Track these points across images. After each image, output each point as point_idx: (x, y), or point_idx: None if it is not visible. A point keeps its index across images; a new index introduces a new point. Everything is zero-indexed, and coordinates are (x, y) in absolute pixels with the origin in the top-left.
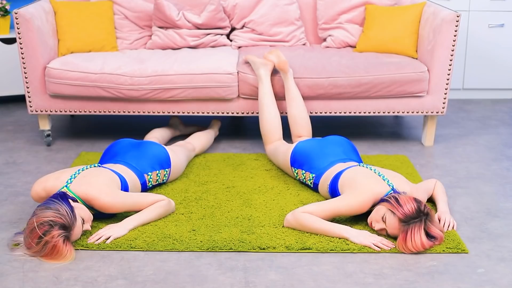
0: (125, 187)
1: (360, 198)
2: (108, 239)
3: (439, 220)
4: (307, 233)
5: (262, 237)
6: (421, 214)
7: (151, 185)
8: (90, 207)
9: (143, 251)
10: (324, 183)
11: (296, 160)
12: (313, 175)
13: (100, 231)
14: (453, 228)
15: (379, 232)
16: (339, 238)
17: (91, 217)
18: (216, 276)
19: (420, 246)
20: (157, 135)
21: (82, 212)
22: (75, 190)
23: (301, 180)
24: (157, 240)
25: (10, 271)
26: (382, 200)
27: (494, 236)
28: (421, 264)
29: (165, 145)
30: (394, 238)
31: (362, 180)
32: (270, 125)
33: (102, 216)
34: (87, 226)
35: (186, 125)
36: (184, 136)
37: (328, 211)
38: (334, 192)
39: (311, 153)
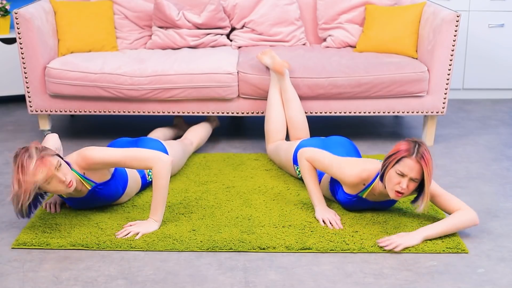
0: (124, 180)
1: (352, 167)
2: (137, 234)
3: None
4: (307, 232)
5: (262, 237)
6: (414, 141)
7: (150, 179)
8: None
9: (143, 251)
10: (325, 181)
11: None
12: None
13: (128, 227)
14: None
15: (404, 190)
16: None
17: (70, 175)
18: (216, 276)
19: (431, 159)
20: (159, 135)
21: (64, 167)
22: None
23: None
24: (157, 240)
25: (10, 271)
26: (378, 174)
27: (494, 236)
28: (421, 264)
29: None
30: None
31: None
32: (277, 124)
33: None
34: (61, 175)
35: (189, 125)
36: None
37: (319, 158)
38: (334, 189)
39: None
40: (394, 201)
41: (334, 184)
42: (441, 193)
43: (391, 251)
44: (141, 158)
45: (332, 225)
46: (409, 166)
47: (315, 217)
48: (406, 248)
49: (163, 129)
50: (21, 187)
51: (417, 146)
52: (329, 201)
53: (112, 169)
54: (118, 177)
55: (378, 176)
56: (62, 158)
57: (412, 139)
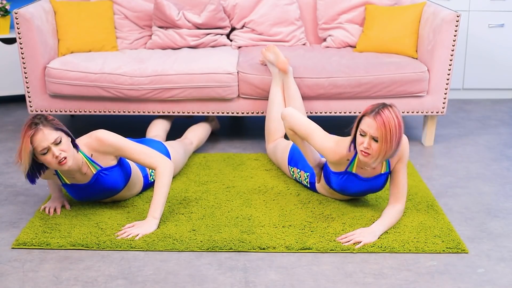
0: (127, 171)
1: (329, 140)
2: (137, 236)
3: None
4: (307, 232)
5: (262, 237)
6: (382, 103)
7: (152, 179)
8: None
9: (143, 251)
10: (322, 180)
11: (293, 158)
12: (308, 173)
13: (127, 228)
14: (353, 244)
15: (368, 150)
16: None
17: (70, 151)
18: (216, 276)
19: (395, 119)
20: (159, 129)
21: (66, 144)
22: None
23: (297, 179)
24: (157, 240)
25: (10, 271)
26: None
27: (494, 236)
28: (421, 264)
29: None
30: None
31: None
32: (277, 123)
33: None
34: (56, 151)
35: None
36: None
37: (304, 130)
38: (327, 177)
39: None
40: (386, 177)
41: (325, 174)
42: (399, 176)
43: (391, 251)
44: (149, 155)
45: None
46: (367, 123)
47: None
48: (365, 244)
49: (163, 121)
50: (20, 149)
51: (380, 106)
52: (329, 201)
53: (118, 158)
54: (123, 166)
55: (352, 145)
56: (73, 139)
57: (380, 102)
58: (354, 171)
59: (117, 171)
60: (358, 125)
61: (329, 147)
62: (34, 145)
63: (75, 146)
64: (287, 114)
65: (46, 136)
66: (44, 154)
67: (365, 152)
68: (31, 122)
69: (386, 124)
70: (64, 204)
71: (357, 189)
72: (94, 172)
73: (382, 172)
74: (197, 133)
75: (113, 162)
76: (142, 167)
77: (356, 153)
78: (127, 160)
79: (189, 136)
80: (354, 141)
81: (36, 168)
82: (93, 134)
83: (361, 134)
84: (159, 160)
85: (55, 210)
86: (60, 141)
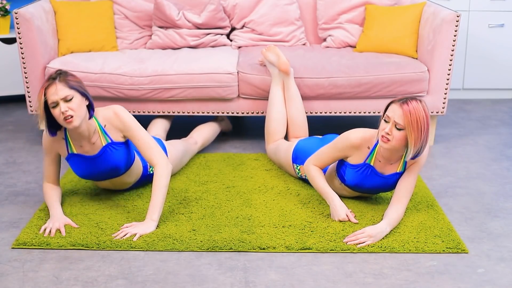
0: (132, 155)
1: (341, 138)
2: (135, 236)
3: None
4: (307, 232)
5: (262, 237)
6: (411, 96)
7: (151, 171)
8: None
9: (143, 251)
10: (331, 170)
11: (298, 157)
12: None
13: (125, 228)
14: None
15: (389, 136)
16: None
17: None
18: (216, 276)
19: (423, 112)
20: (159, 127)
21: (83, 109)
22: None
23: (302, 177)
24: (157, 240)
25: (10, 271)
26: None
27: (494, 236)
28: (421, 264)
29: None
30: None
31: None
32: (277, 124)
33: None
34: (64, 107)
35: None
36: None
37: (320, 155)
38: (341, 172)
39: (312, 149)
40: (399, 176)
41: (340, 168)
42: (409, 177)
43: (391, 251)
44: (153, 149)
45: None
46: (393, 109)
47: (333, 217)
48: (371, 243)
49: (163, 121)
50: (37, 98)
51: (409, 97)
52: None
53: (126, 139)
54: (129, 148)
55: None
56: (91, 103)
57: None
58: (372, 164)
59: (124, 149)
60: (383, 113)
61: (354, 136)
62: (46, 97)
63: (91, 111)
64: (309, 160)
65: (58, 91)
66: (54, 107)
67: (385, 138)
68: (50, 74)
69: (412, 113)
70: (69, 223)
71: (371, 184)
72: (104, 144)
73: (398, 171)
74: (203, 133)
75: (122, 139)
76: (142, 158)
77: (377, 142)
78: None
79: (194, 136)
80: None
81: (53, 122)
82: (112, 107)
83: (385, 120)
84: (160, 158)
85: (58, 231)
86: (71, 99)
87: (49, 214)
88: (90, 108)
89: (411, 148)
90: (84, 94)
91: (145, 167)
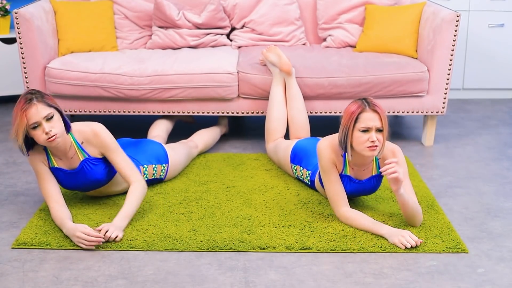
0: (113, 169)
1: (320, 158)
2: (116, 237)
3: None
4: (307, 232)
5: (262, 237)
6: (359, 99)
7: (146, 178)
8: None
9: (143, 251)
10: (317, 180)
11: (296, 157)
12: (309, 171)
13: (105, 227)
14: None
15: (375, 143)
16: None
17: (59, 128)
18: (216, 276)
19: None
20: (161, 130)
21: (58, 123)
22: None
23: (299, 177)
24: (157, 240)
25: (10, 271)
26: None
27: (494, 236)
28: (421, 264)
29: (168, 142)
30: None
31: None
32: (277, 123)
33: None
34: (47, 127)
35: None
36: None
37: (335, 194)
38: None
39: (310, 150)
40: (376, 179)
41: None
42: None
43: (391, 251)
44: (130, 169)
45: (412, 242)
46: (369, 118)
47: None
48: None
49: (165, 121)
50: (15, 123)
51: (364, 100)
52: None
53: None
54: (108, 162)
55: (342, 149)
56: (65, 119)
57: (356, 99)
58: (348, 173)
59: (102, 164)
60: (352, 126)
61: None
62: (26, 120)
63: (67, 126)
64: (348, 222)
65: (39, 111)
66: (35, 128)
67: (372, 147)
68: (26, 97)
69: (382, 110)
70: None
71: (350, 190)
72: (82, 159)
73: (374, 174)
74: (204, 138)
75: (100, 156)
76: (137, 165)
77: (344, 154)
78: None
79: (195, 139)
80: (341, 144)
81: (29, 141)
82: (91, 124)
83: (362, 131)
84: (136, 179)
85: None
86: (52, 117)
87: (65, 231)
88: (66, 123)
89: (383, 143)
90: (60, 110)
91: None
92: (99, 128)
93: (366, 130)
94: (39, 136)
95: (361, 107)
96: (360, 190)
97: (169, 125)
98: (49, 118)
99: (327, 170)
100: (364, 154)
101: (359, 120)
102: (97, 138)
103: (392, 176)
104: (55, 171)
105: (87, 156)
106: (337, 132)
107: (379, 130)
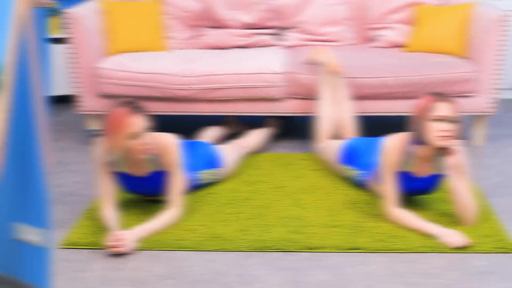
0: None
1: (385, 156)
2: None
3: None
4: (356, 232)
5: (311, 237)
6: (429, 92)
7: (203, 183)
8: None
9: (192, 251)
10: (373, 177)
11: (346, 157)
12: (360, 171)
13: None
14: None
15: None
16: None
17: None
18: (265, 276)
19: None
20: (210, 134)
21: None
22: None
23: (348, 177)
24: (206, 240)
25: (60, 271)
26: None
27: None
28: (469, 264)
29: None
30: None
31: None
32: (326, 123)
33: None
34: (147, 138)
35: (242, 124)
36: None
37: (388, 192)
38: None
39: (360, 150)
40: (437, 177)
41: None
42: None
43: (441, 250)
44: (176, 193)
45: (461, 242)
46: (444, 107)
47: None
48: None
49: (214, 128)
50: (115, 130)
51: (436, 92)
52: (377, 202)
53: None
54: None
55: (415, 141)
56: None
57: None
58: (410, 170)
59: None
60: (426, 115)
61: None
62: (130, 127)
63: None
64: (398, 221)
65: (143, 122)
66: (133, 138)
67: (447, 137)
68: (131, 106)
69: (454, 102)
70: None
71: (408, 188)
72: (149, 169)
73: (436, 173)
74: (255, 139)
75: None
76: (193, 170)
77: (409, 150)
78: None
79: (246, 140)
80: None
81: None
82: (166, 138)
83: (436, 120)
84: (176, 204)
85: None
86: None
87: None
88: None
89: (455, 135)
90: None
91: (193, 180)
92: (170, 146)
93: (439, 120)
94: (135, 146)
95: (435, 98)
96: (420, 187)
97: (222, 132)
98: (146, 130)
99: (389, 168)
100: (437, 143)
101: (433, 110)
102: (164, 154)
103: (453, 150)
104: (120, 175)
105: (155, 167)
106: (380, 132)
107: (452, 122)
